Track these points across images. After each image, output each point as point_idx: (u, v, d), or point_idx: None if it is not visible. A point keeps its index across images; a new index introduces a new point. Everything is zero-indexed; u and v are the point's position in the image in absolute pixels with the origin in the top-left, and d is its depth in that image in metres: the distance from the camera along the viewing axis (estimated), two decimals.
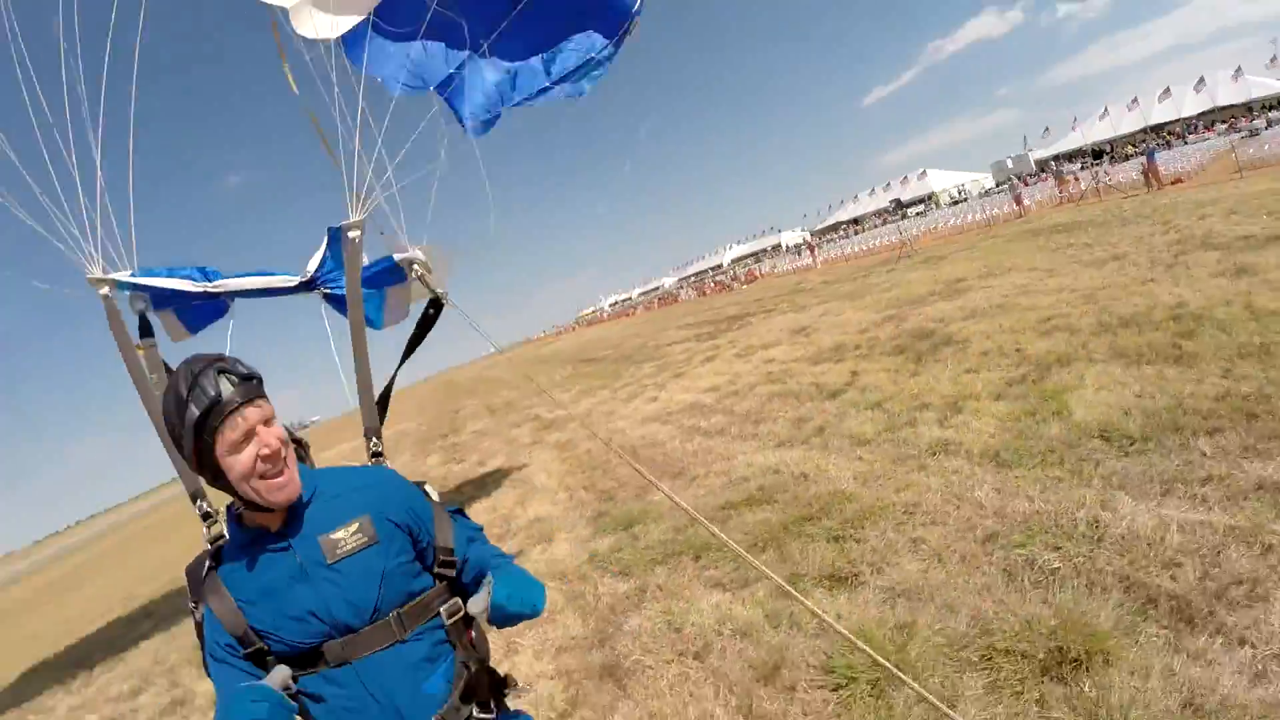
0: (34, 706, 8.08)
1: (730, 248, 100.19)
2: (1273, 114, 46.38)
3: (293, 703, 1.52)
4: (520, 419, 16.39)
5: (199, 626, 1.69)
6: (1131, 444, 4.49)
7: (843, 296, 19.28)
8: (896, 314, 12.62)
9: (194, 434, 1.49)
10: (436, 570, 1.79)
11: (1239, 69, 50.70)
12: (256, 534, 1.64)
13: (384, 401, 2.73)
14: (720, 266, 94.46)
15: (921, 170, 73.19)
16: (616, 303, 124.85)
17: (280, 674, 1.54)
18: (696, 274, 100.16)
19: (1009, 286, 11.70)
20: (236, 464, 1.50)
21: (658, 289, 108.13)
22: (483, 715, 1.74)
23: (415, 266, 3.39)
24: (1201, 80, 52.62)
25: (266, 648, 1.61)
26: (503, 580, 1.68)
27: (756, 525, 5.02)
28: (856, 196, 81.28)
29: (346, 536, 1.63)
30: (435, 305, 3.01)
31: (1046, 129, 62.58)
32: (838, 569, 4.06)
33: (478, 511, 8.17)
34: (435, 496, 1.95)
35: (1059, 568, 3.45)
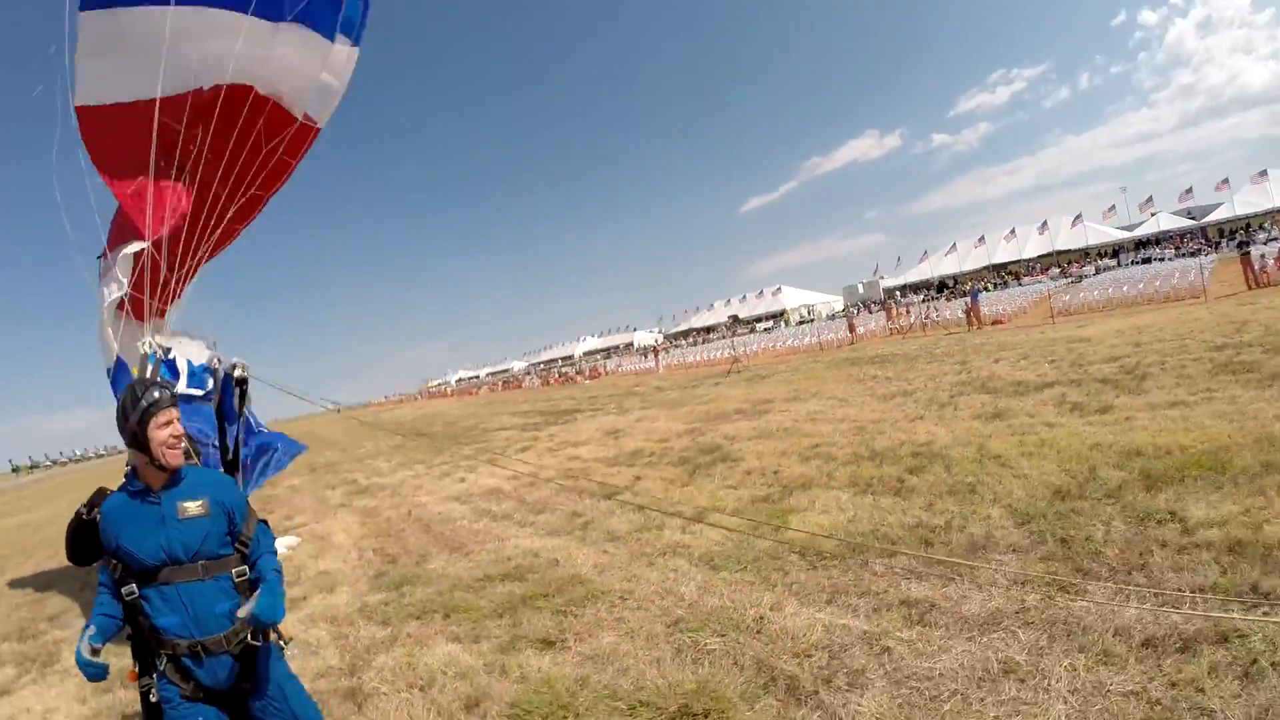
0: None
1: (584, 340, 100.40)
2: (1104, 261, 51.29)
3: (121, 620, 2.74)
4: (337, 481, 16.71)
5: (79, 521, 2.97)
6: (821, 559, 5.59)
7: (665, 404, 20.67)
8: (699, 427, 14.03)
9: (140, 415, 2.67)
10: (237, 546, 2.84)
11: (1079, 215, 55.87)
12: (144, 490, 2.75)
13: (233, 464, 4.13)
14: (571, 358, 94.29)
15: (777, 286, 75.67)
16: (463, 380, 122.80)
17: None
18: (547, 362, 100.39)
19: (802, 412, 13.30)
20: (159, 435, 2.67)
21: (506, 371, 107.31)
22: (253, 641, 2.82)
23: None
24: (1045, 224, 57.31)
25: (121, 563, 2.71)
26: (264, 596, 2.68)
27: (502, 595, 6.00)
28: (713, 305, 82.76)
29: (193, 507, 2.73)
30: (241, 382, 4.07)
31: (899, 258, 65.03)
32: (551, 635, 5.08)
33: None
34: (253, 506, 3.09)
35: (715, 649, 4.52)
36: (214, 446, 4.88)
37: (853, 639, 4.25)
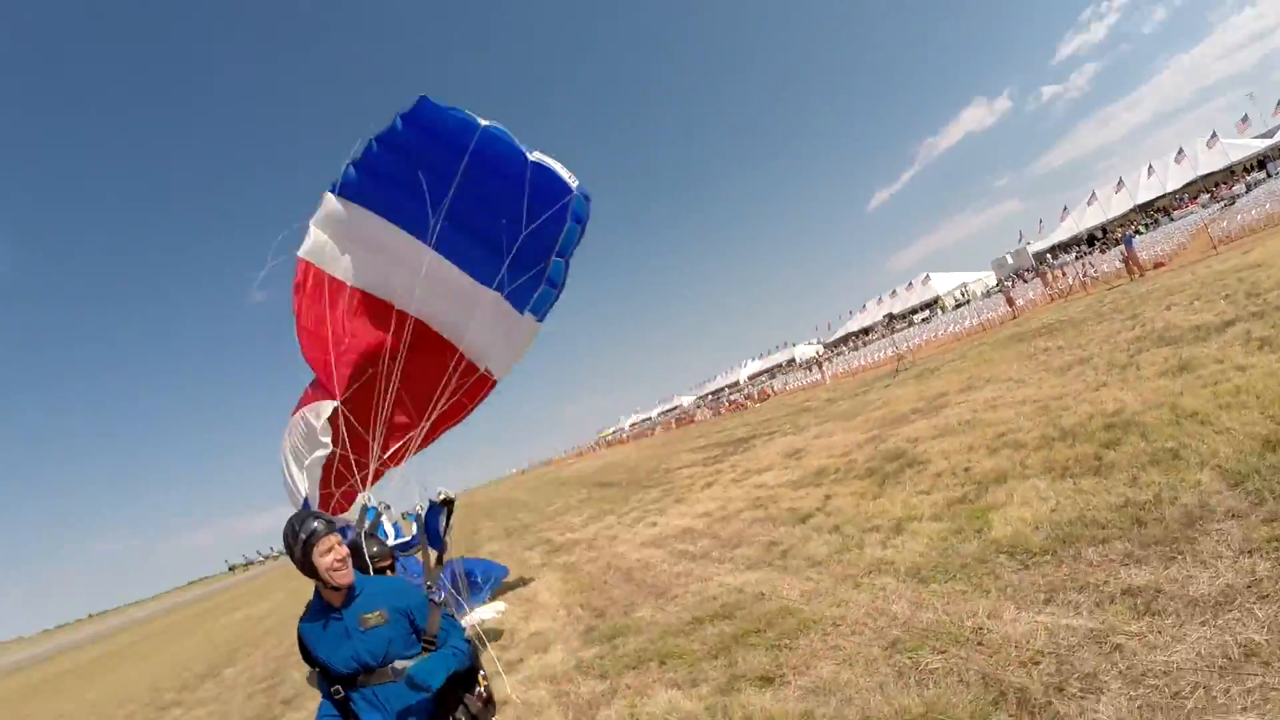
0: None
1: (746, 364, 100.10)
2: (1253, 176, 45.79)
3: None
4: (533, 541, 17.35)
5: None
6: (1031, 557, 5.23)
7: (839, 416, 20.04)
8: (879, 434, 13.48)
9: (302, 548, 2.92)
10: (423, 644, 3.07)
11: (1213, 134, 50.28)
12: (326, 607, 3.02)
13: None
14: (737, 384, 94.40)
15: (924, 275, 72.07)
16: (636, 423, 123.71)
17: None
18: (714, 392, 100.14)
19: (980, 400, 12.54)
20: (324, 562, 2.91)
21: (676, 408, 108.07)
22: None
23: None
24: (1180, 151, 51.94)
25: (326, 668, 3.01)
26: (426, 661, 2.90)
27: (714, 636, 5.95)
28: (864, 306, 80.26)
29: (372, 618, 2.97)
30: (447, 503, 4.30)
31: (1041, 221, 59.65)
32: (769, 671, 4.97)
33: (486, 626, 9.08)
34: (439, 599, 3.31)
35: (937, 667, 4.31)
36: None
37: (1079, 639, 3.99)
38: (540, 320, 5.88)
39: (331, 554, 2.93)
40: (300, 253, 5.61)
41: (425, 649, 3.05)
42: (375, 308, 5.87)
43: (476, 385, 6.10)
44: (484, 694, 3.24)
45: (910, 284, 73.79)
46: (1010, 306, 34.04)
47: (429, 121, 5.07)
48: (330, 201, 5.54)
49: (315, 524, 2.97)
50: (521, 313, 5.72)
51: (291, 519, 3.03)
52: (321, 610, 3.04)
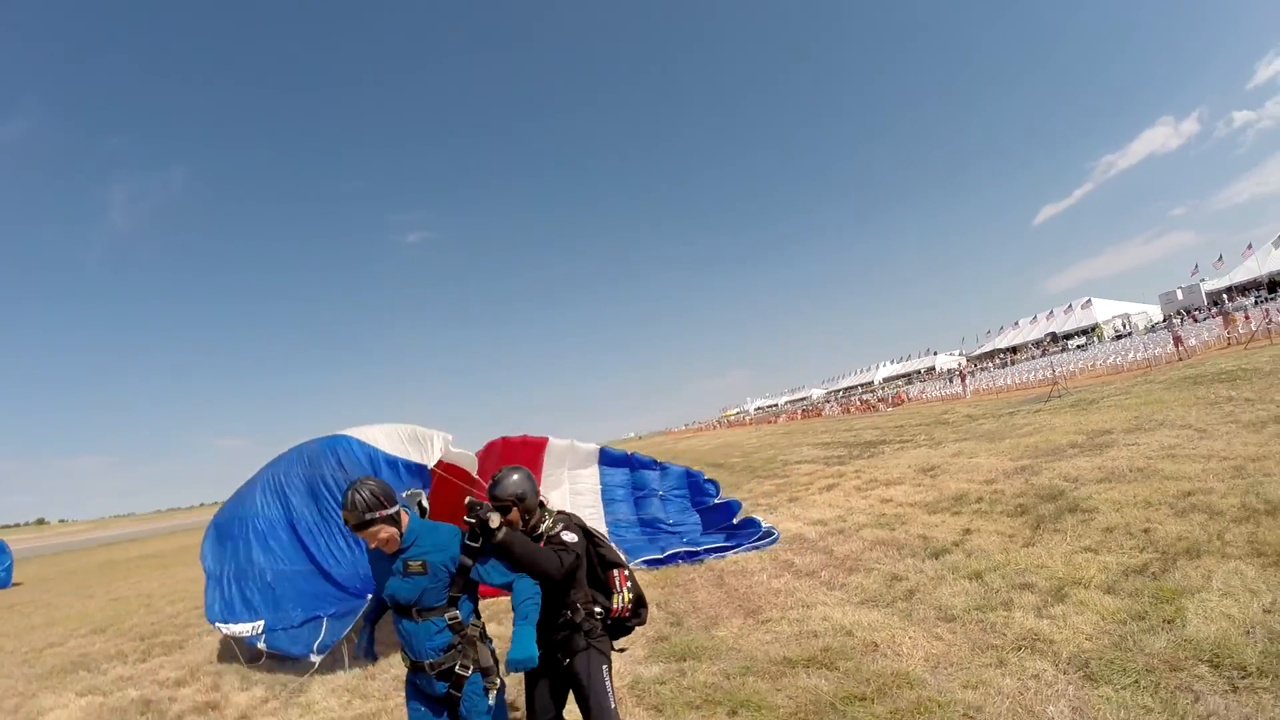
0: (90, 663, 9.31)
1: (882, 366, 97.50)
2: None
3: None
4: None
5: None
6: (1243, 676, 3.84)
7: (982, 436, 18.27)
8: (1030, 464, 11.80)
9: (354, 530, 3.18)
10: (452, 593, 3.26)
11: None
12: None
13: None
14: (870, 384, 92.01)
15: (1086, 299, 66.98)
16: (761, 407, 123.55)
17: None
18: (845, 389, 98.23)
19: (1155, 446, 10.70)
20: (373, 542, 3.22)
21: (805, 399, 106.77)
22: (460, 671, 3.22)
23: None
24: None
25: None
26: (512, 648, 3.03)
27: (805, 690, 4.71)
28: (1017, 323, 75.64)
29: (415, 565, 3.19)
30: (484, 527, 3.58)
31: (1220, 257, 54.17)
32: None
33: None
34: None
35: None
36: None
37: None
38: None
39: (379, 537, 3.18)
40: None
41: (450, 601, 3.27)
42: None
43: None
44: None
45: (1070, 306, 68.97)
46: (1178, 346, 30.33)
47: None
48: None
49: (353, 522, 3.13)
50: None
51: (353, 487, 3.18)
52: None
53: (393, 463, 7.69)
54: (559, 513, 3.71)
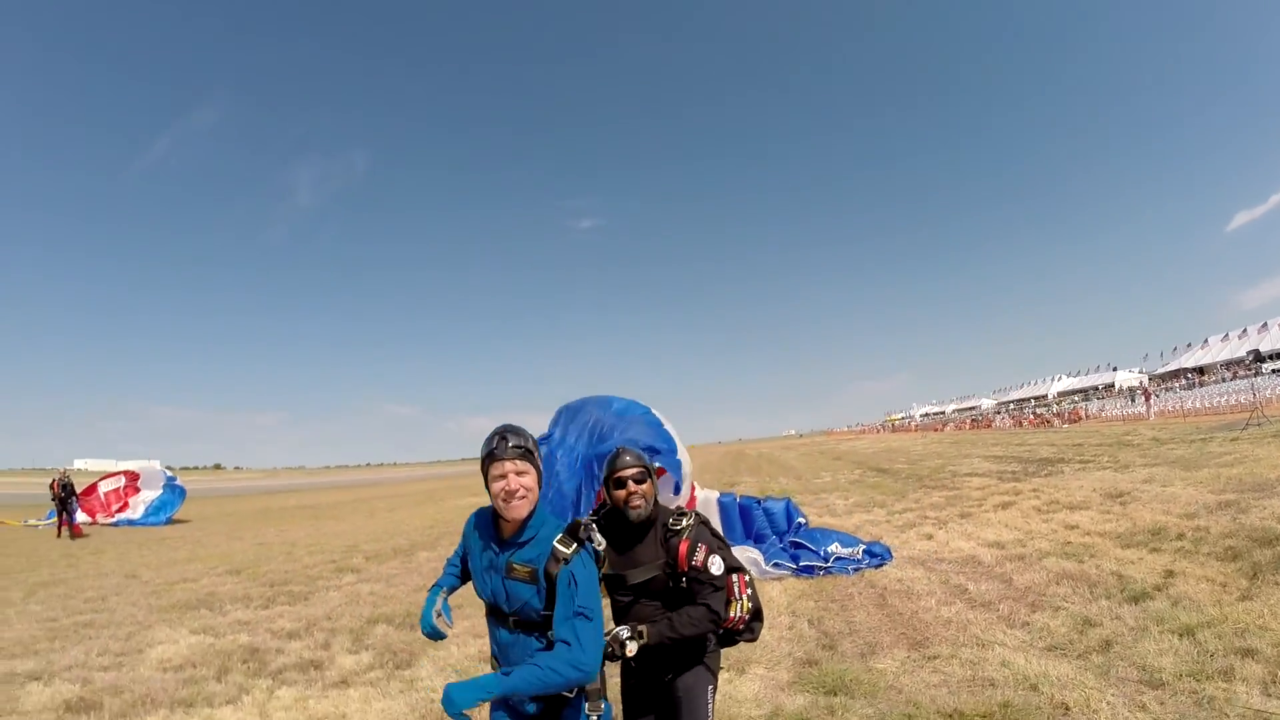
0: (214, 602, 10.06)
1: (1057, 379, 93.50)
2: None
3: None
4: None
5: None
6: None
7: (1173, 462, 16.46)
8: (1237, 499, 10.32)
9: (482, 461, 2.56)
10: (546, 613, 2.53)
11: None
12: (494, 532, 2.66)
13: None
14: (1044, 398, 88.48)
15: None
16: (927, 414, 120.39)
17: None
18: (1016, 401, 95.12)
19: None
20: (494, 487, 2.51)
21: (973, 409, 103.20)
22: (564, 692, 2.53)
23: None
24: None
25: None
26: (516, 672, 2.40)
27: None
28: (1206, 340, 69.66)
29: (521, 569, 2.54)
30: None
31: None
32: None
33: None
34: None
35: None
36: None
37: None
38: None
39: (504, 481, 2.50)
40: None
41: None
42: None
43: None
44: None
45: (1265, 325, 62.78)
46: None
47: None
48: None
49: (496, 442, 2.54)
50: None
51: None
52: (489, 526, 2.70)
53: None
54: (681, 510, 3.14)
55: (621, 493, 3.02)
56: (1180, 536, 8.72)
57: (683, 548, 2.98)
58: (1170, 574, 7.20)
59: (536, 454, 2.63)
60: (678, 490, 7.53)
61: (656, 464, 7.23)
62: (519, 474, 2.52)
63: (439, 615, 2.79)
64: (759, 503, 11.05)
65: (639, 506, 2.99)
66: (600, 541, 2.72)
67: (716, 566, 2.96)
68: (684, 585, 2.96)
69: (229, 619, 8.89)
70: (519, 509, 2.54)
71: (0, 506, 34.16)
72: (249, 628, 8.38)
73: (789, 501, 11.32)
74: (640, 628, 2.83)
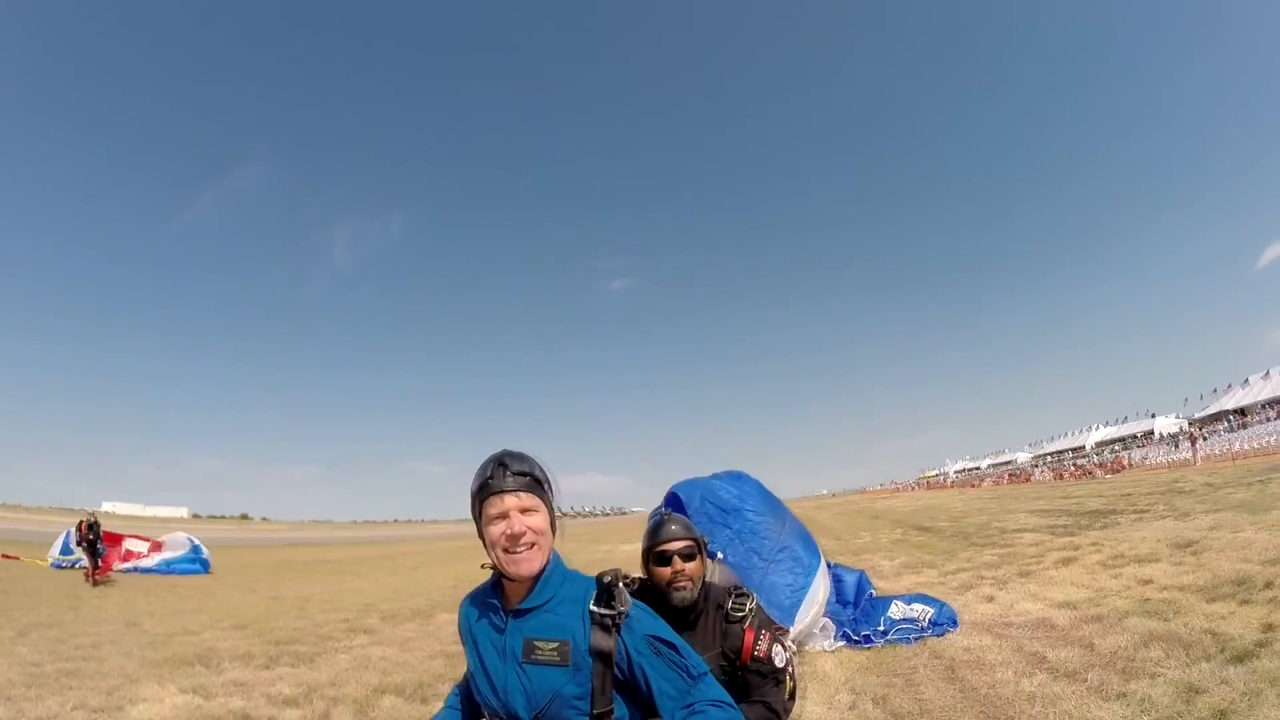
0: (212, 659, 9.44)
1: (1094, 429, 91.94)
2: None
3: None
4: None
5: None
6: None
7: (1236, 506, 15.60)
8: None
9: (471, 500, 1.91)
10: (597, 712, 1.78)
11: None
12: (497, 602, 1.96)
13: None
14: (1081, 449, 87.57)
15: None
16: (962, 470, 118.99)
17: None
18: (1054, 453, 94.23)
19: None
20: (490, 532, 1.85)
21: (1010, 463, 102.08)
22: None
23: None
24: None
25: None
26: None
27: None
28: (1247, 380, 68.20)
29: (545, 648, 1.81)
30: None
31: None
32: None
33: None
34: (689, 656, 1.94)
35: None
36: None
37: None
38: None
39: (506, 522, 1.84)
40: None
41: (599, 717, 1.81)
42: None
43: None
44: None
45: None
46: None
47: None
48: None
49: (492, 470, 1.88)
50: None
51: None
52: (488, 597, 2.02)
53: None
54: (740, 590, 2.67)
55: (666, 570, 2.56)
56: (1269, 585, 8.00)
57: (748, 637, 2.48)
58: (1270, 627, 6.52)
59: (548, 487, 1.99)
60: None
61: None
62: (524, 511, 1.86)
63: None
64: (830, 566, 10.37)
65: (685, 588, 2.54)
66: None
67: (780, 657, 2.50)
68: (739, 677, 2.47)
69: (224, 678, 8.28)
70: (529, 561, 1.86)
71: (27, 544, 33.60)
72: (244, 690, 7.77)
73: (862, 574, 10.53)
74: None
